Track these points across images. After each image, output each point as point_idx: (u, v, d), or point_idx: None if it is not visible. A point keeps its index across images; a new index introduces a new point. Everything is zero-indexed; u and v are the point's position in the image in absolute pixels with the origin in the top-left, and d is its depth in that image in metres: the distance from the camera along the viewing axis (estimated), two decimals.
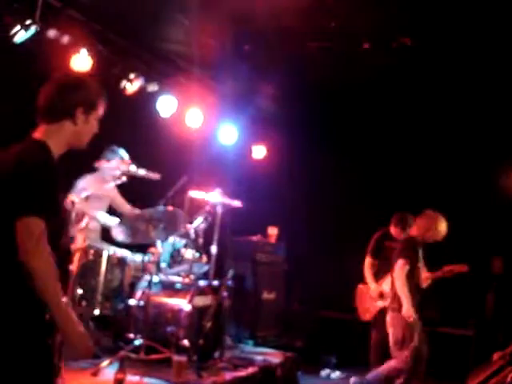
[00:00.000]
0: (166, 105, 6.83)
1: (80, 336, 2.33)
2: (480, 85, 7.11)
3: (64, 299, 2.33)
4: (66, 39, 5.55)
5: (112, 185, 5.67)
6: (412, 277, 5.78)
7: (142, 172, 5.18)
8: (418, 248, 5.93)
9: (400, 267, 5.71)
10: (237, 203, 5.79)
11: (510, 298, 8.48)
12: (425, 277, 6.41)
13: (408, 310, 5.60)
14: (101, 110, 2.60)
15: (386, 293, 6.71)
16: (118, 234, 5.31)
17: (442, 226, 5.98)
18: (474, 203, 8.70)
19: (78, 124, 2.51)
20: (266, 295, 7.39)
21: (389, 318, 5.98)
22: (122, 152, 5.79)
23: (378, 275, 6.84)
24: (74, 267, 3.83)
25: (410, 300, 5.64)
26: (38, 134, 2.47)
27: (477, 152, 8.28)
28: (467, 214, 8.68)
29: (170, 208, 5.39)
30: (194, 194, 5.86)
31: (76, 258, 3.79)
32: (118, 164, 5.46)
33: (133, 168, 5.17)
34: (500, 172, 8.66)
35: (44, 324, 2.30)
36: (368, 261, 6.89)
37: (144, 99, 6.71)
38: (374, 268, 6.86)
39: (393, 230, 6.78)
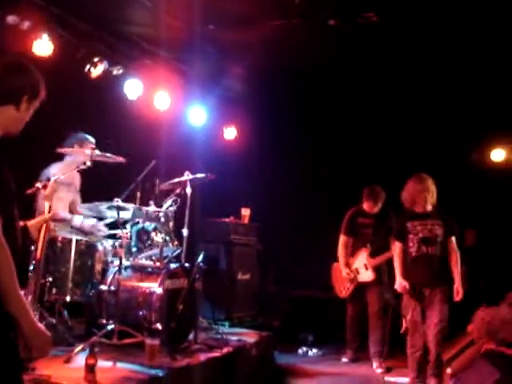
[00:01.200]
0: (132, 88, 6.76)
1: (38, 332, 2.26)
2: (450, 58, 7.12)
3: (22, 292, 2.27)
4: (26, 25, 5.45)
5: (78, 173, 5.63)
6: None
7: (106, 156, 5.14)
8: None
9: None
10: (203, 175, 5.75)
11: (483, 271, 8.57)
12: None
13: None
14: (39, 100, 2.52)
15: (360, 270, 6.77)
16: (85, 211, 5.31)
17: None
18: (447, 176, 8.75)
19: (20, 111, 2.43)
20: (240, 276, 7.38)
21: None
22: (87, 137, 5.72)
23: (352, 252, 6.90)
24: (38, 252, 3.78)
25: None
26: None
27: (450, 124, 8.32)
28: (440, 188, 8.75)
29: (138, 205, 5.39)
30: (167, 183, 5.82)
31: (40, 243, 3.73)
32: (82, 149, 5.41)
33: (97, 152, 5.12)
34: (473, 145, 8.74)
35: (5, 317, 2.24)
36: (342, 239, 6.93)
37: (110, 83, 6.63)
38: (349, 246, 6.91)
39: (365, 204, 6.83)
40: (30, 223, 3.24)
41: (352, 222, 6.92)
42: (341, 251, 6.91)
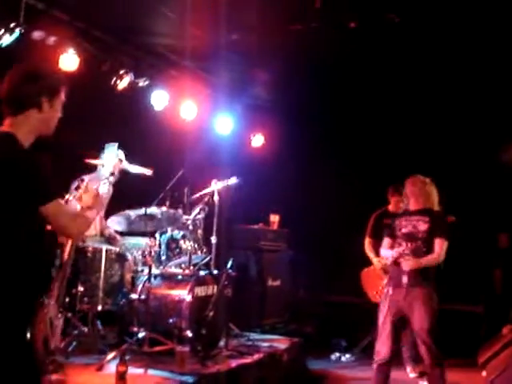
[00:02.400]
0: (158, 99, 6.84)
1: None
2: (475, 57, 7.05)
3: None
4: (51, 40, 5.56)
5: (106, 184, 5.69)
6: None
7: (134, 168, 5.19)
8: None
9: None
10: (234, 180, 5.77)
11: None
12: None
13: None
14: (63, 95, 2.64)
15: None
16: (114, 225, 5.33)
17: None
18: (480, 180, 8.67)
19: (44, 111, 2.55)
20: (270, 282, 7.39)
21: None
22: (116, 149, 5.78)
23: (377, 254, 6.85)
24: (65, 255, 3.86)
25: None
26: (5, 128, 2.50)
27: (482, 127, 8.23)
28: (474, 191, 8.66)
29: (167, 209, 5.39)
30: (193, 194, 5.87)
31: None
32: (111, 161, 5.48)
33: (126, 164, 5.17)
34: (505, 147, 8.63)
35: (21, 320, 2.30)
36: (368, 241, 6.90)
37: (136, 94, 6.72)
38: (375, 247, 6.86)
39: (391, 203, 6.80)
40: None
41: (377, 223, 6.88)
42: (368, 251, 6.88)
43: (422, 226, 5.17)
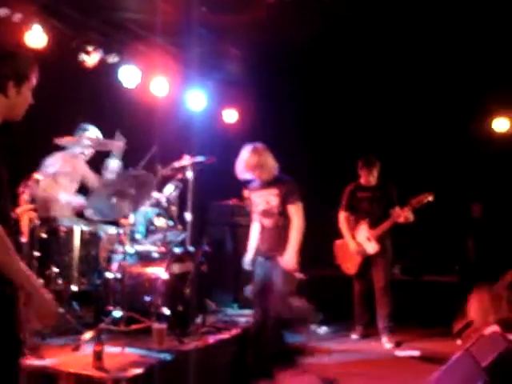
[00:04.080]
0: (129, 75, 6.76)
1: (45, 300, 2.33)
2: (449, 24, 7.04)
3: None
4: (17, 17, 5.44)
5: (81, 161, 5.67)
6: None
7: (104, 143, 5.15)
8: None
9: None
10: (203, 158, 5.74)
11: (490, 243, 8.58)
12: (397, 214, 6.51)
13: None
14: (34, 80, 2.53)
15: (364, 243, 6.76)
16: (88, 212, 5.28)
17: None
18: (453, 151, 8.75)
19: (9, 97, 2.45)
20: None
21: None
22: (89, 127, 5.73)
23: (352, 227, 6.90)
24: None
25: None
26: None
27: (453, 99, 8.28)
28: (446, 162, 8.74)
29: (141, 172, 5.35)
30: (167, 168, 5.82)
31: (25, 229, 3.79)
32: (83, 138, 5.44)
33: (95, 139, 5.14)
34: (479, 119, 8.69)
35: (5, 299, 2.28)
36: (343, 215, 6.94)
37: (106, 71, 6.63)
38: (350, 221, 6.91)
39: (362, 176, 6.85)
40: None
41: (351, 197, 6.92)
42: (343, 226, 6.92)
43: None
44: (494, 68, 7.69)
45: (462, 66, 7.76)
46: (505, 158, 8.61)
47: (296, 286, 5.48)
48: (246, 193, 6.05)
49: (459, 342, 6.24)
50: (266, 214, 5.36)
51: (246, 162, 5.31)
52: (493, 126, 8.72)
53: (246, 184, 5.71)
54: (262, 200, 5.38)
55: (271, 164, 5.38)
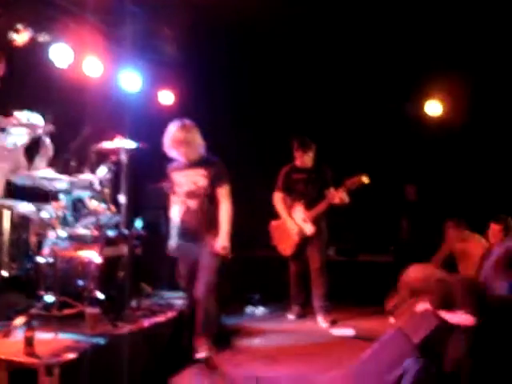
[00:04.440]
0: (60, 55, 6.54)
1: None
2: (384, 8, 7.12)
3: None
4: None
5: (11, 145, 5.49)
6: None
7: (33, 125, 5.00)
8: None
9: None
10: (136, 144, 5.62)
11: (424, 224, 8.77)
12: (332, 196, 6.58)
13: None
14: None
15: (301, 224, 6.81)
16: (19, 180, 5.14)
17: None
18: (387, 133, 8.87)
19: None
20: None
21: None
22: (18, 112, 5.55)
23: (288, 209, 6.94)
24: None
25: None
26: None
27: (389, 80, 8.37)
28: (381, 144, 8.86)
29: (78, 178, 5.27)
30: (98, 146, 5.69)
31: None
32: (13, 123, 5.27)
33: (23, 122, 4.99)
34: (413, 101, 8.83)
35: None
36: (278, 195, 6.97)
37: (36, 50, 6.40)
38: (286, 202, 6.95)
39: (297, 157, 6.89)
40: None
41: (287, 178, 6.96)
42: (279, 207, 6.96)
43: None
44: (428, 51, 7.81)
45: (398, 48, 7.85)
46: (438, 141, 8.79)
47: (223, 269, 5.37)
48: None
49: (392, 319, 6.39)
50: (191, 195, 5.24)
51: (173, 137, 5.19)
52: (425, 109, 8.87)
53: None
54: (187, 180, 5.25)
55: (199, 142, 5.27)
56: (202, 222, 5.21)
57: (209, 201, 5.22)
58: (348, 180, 6.61)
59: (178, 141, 5.16)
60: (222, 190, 5.25)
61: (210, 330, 5.14)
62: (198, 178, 5.22)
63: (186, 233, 5.31)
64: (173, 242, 5.37)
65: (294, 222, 6.84)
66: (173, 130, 5.23)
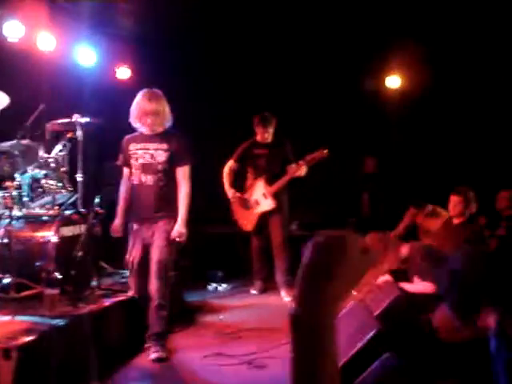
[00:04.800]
0: (12, 29, 6.35)
1: None
2: None
3: None
4: None
5: None
6: None
7: None
8: None
9: None
10: (92, 119, 5.49)
11: (384, 196, 8.84)
12: (292, 170, 6.58)
13: None
14: None
15: (262, 199, 6.80)
16: None
17: None
18: (347, 106, 8.87)
19: None
20: None
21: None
22: None
23: (250, 184, 6.92)
24: None
25: None
26: None
27: (348, 53, 8.34)
28: (341, 117, 8.87)
29: (24, 142, 5.08)
30: (53, 122, 5.55)
31: None
32: None
33: None
34: (372, 74, 8.83)
35: None
36: (230, 163, 6.96)
37: None
38: (234, 174, 6.92)
39: (257, 133, 6.88)
40: None
41: (246, 152, 6.94)
42: (226, 174, 7.00)
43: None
44: (385, 24, 7.80)
45: (356, 22, 7.83)
46: (397, 113, 8.84)
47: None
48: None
49: (354, 292, 6.44)
50: (147, 169, 4.81)
51: (142, 107, 4.77)
52: (386, 83, 8.90)
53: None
54: (143, 153, 4.82)
55: (167, 113, 4.87)
56: (157, 200, 4.80)
57: (166, 178, 4.81)
58: (308, 155, 6.61)
59: (147, 111, 4.74)
60: (181, 170, 4.86)
61: (164, 329, 4.79)
62: (157, 152, 4.81)
63: (138, 212, 4.92)
64: (117, 221, 5.01)
65: (234, 192, 6.89)
66: (141, 98, 4.81)
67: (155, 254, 4.73)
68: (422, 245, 5.82)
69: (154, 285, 4.70)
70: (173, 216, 4.79)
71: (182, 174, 4.86)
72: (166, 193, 4.83)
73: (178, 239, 4.79)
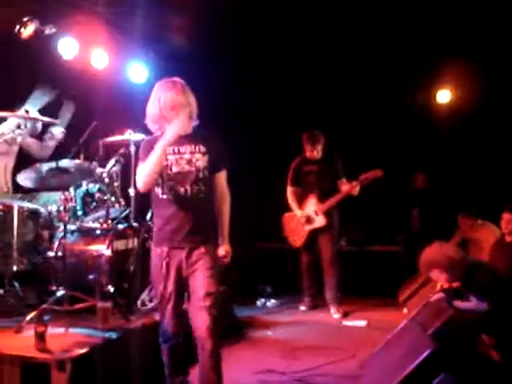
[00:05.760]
0: (67, 47, 6.49)
1: None
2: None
3: None
4: None
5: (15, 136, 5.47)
6: None
7: (40, 119, 4.98)
8: None
9: None
10: (145, 135, 5.53)
11: (434, 212, 8.71)
12: (346, 190, 6.55)
13: None
14: None
15: (312, 216, 6.78)
16: (24, 181, 5.09)
17: None
18: (395, 121, 8.80)
19: None
20: None
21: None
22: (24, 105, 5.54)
23: (301, 201, 6.91)
24: None
25: None
26: None
27: (396, 68, 8.29)
28: (390, 133, 8.79)
29: (82, 161, 5.20)
30: (106, 139, 5.66)
31: None
32: (19, 115, 5.25)
33: (34, 114, 4.95)
34: (421, 87, 8.76)
35: None
36: (289, 190, 6.97)
37: (43, 43, 6.35)
38: (297, 195, 6.93)
39: (306, 150, 6.85)
40: None
41: (297, 171, 6.95)
42: (290, 200, 6.97)
43: None
44: (437, 39, 7.73)
45: (406, 38, 7.77)
46: (448, 128, 8.72)
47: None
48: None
49: (405, 310, 6.36)
50: (184, 178, 3.77)
51: (171, 100, 3.79)
52: (437, 98, 8.80)
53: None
54: (178, 159, 3.79)
55: (195, 108, 3.88)
56: (198, 217, 3.77)
57: (207, 188, 3.82)
58: (363, 174, 6.59)
59: (177, 104, 3.77)
60: (222, 175, 3.94)
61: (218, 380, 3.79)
62: (195, 157, 3.80)
63: (172, 234, 3.79)
64: (159, 248, 3.87)
65: (303, 213, 6.82)
66: (166, 90, 3.85)
67: (202, 287, 3.71)
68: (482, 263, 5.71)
69: (205, 322, 3.68)
70: (216, 236, 3.94)
71: (223, 180, 3.97)
72: (207, 207, 3.87)
73: (225, 260, 3.97)
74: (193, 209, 3.77)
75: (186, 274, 3.78)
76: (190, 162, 3.79)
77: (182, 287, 3.82)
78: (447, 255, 4.73)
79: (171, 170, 3.77)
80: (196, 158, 3.80)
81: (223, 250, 3.93)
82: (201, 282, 3.73)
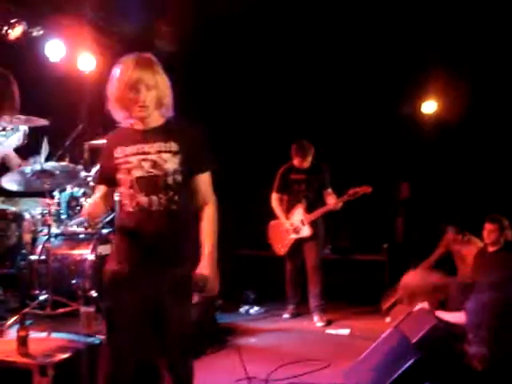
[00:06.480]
0: (54, 49, 6.49)
1: None
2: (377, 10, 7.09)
3: None
4: None
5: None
6: None
7: (27, 120, 4.93)
8: None
9: None
10: None
11: (418, 222, 8.74)
12: (334, 205, 6.58)
13: None
14: None
15: (298, 225, 6.78)
16: (8, 184, 5.04)
17: None
18: (380, 131, 8.83)
19: None
20: None
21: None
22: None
23: (288, 209, 6.91)
24: None
25: None
26: None
27: (381, 78, 8.33)
28: (375, 143, 8.82)
29: (67, 163, 5.15)
30: (92, 143, 5.63)
31: None
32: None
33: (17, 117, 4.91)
34: (406, 98, 8.79)
35: None
36: (274, 196, 6.96)
37: (30, 45, 6.34)
38: (283, 202, 6.93)
39: (295, 160, 6.85)
40: None
41: (284, 179, 6.93)
42: (276, 207, 6.95)
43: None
44: (422, 49, 7.79)
45: (392, 48, 7.82)
46: (432, 138, 8.77)
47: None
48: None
49: (388, 319, 6.37)
50: (148, 186, 2.95)
51: (123, 78, 2.96)
52: (422, 109, 8.85)
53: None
54: (140, 160, 2.97)
55: (168, 92, 3.11)
56: (168, 235, 2.96)
57: (181, 197, 2.98)
58: (352, 189, 6.61)
59: (131, 82, 2.95)
60: (202, 178, 3.08)
61: None
62: (163, 157, 2.98)
63: (135, 254, 2.99)
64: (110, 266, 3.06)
65: (290, 222, 6.82)
66: (123, 65, 3.02)
67: (175, 326, 2.98)
68: (458, 282, 5.76)
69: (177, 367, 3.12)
70: (192, 257, 3.07)
71: (205, 185, 3.10)
72: (181, 221, 3.00)
73: (204, 292, 3.00)
74: (161, 224, 2.94)
75: (155, 303, 2.98)
76: (155, 164, 2.97)
77: (146, 318, 3.00)
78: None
79: (130, 174, 2.98)
80: (163, 158, 2.97)
81: (199, 277, 2.96)
82: (174, 320, 2.98)
